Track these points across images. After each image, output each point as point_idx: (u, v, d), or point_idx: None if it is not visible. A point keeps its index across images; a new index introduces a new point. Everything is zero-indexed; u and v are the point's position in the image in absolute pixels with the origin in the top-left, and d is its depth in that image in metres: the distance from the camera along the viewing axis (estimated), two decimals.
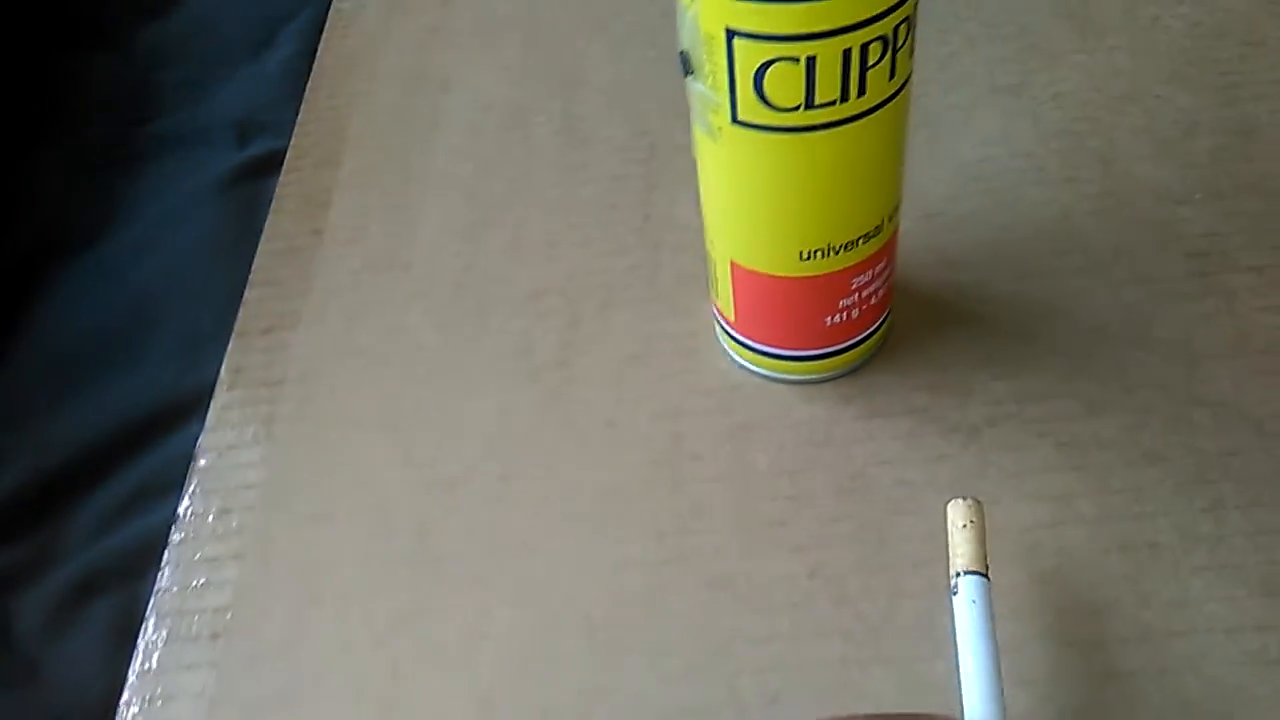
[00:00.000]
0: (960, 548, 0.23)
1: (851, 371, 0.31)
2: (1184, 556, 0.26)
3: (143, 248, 0.39)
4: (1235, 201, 0.34)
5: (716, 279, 0.30)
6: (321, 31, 0.48)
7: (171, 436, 0.34)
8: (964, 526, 0.23)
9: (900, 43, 0.23)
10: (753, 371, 0.32)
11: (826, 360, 0.31)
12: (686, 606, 0.27)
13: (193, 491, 0.32)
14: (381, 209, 0.39)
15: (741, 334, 0.31)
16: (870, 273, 0.28)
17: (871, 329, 0.30)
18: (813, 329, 0.29)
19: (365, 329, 0.35)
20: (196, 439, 0.33)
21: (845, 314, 0.29)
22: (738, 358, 0.32)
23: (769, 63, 0.23)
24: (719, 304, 0.31)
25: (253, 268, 0.38)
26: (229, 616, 0.29)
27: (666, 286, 0.35)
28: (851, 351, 0.31)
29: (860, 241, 0.27)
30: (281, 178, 0.41)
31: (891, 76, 0.24)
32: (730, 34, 0.23)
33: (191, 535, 0.31)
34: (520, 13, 0.47)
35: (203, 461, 0.32)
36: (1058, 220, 0.35)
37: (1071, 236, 0.34)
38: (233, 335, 0.36)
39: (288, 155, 0.42)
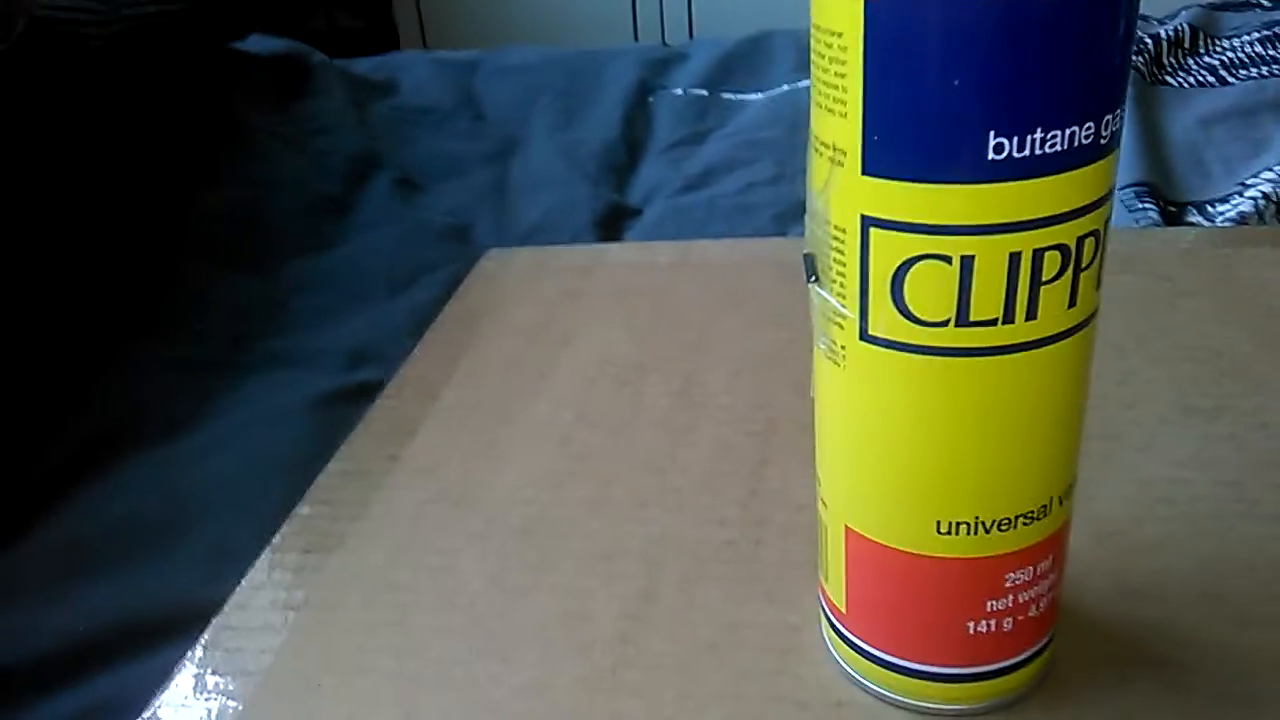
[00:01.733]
0: None
1: (995, 710, 0.23)
2: None
3: (209, 452, 0.37)
4: None
5: (828, 554, 0.24)
6: (459, 282, 0.48)
7: (158, 650, 0.29)
8: None
9: (1086, 262, 0.19)
10: (863, 686, 0.24)
11: (963, 686, 0.23)
12: None
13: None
14: (468, 446, 0.36)
15: (853, 632, 0.24)
16: (1032, 570, 0.22)
17: (1028, 652, 0.23)
18: (949, 636, 0.22)
19: (408, 564, 0.30)
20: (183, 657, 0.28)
21: (995, 622, 0.22)
22: (846, 664, 0.25)
23: (913, 260, 0.18)
24: (828, 589, 0.24)
25: (314, 484, 0.35)
26: None
27: (768, 568, 0.29)
28: (1000, 680, 0.23)
29: (1020, 522, 0.21)
30: (376, 403, 0.39)
31: (1072, 304, 0.19)
32: (866, 223, 0.19)
33: None
34: (658, 285, 0.46)
35: (173, 687, 0.27)
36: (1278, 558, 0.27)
37: None
38: (267, 549, 0.32)
39: (389, 384, 0.40)
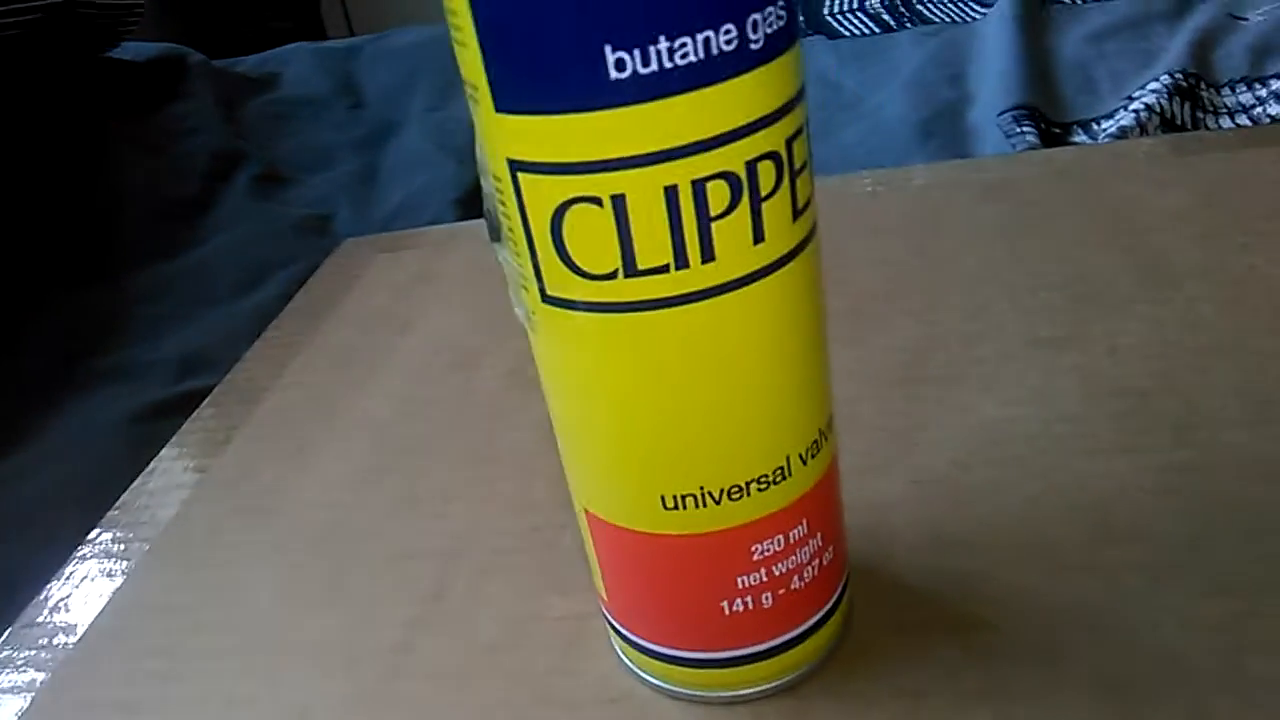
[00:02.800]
0: None
1: (779, 690, 0.21)
2: None
3: (8, 481, 0.34)
4: None
5: (585, 542, 0.22)
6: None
7: None
8: None
9: (767, 190, 0.16)
10: (640, 677, 0.22)
11: (735, 670, 0.21)
12: None
13: None
14: (280, 452, 0.33)
15: (618, 620, 0.22)
16: (783, 540, 0.19)
17: (804, 626, 0.21)
18: (707, 618, 0.20)
19: (192, 585, 0.28)
20: None
21: (751, 599, 0.20)
22: (622, 655, 0.23)
23: (565, 205, 0.16)
24: (594, 579, 0.22)
25: (113, 508, 0.32)
26: None
27: (568, 555, 0.26)
28: (773, 660, 0.21)
29: (754, 489, 0.19)
30: (195, 413, 0.37)
31: (759, 240, 0.17)
32: (514, 168, 0.16)
33: None
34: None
35: None
36: (1110, 499, 0.25)
37: (1129, 521, 0.24)
38: (54, 579, 0.30)
39: (214, 391, 0.38)
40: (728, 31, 0.15)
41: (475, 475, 0.30)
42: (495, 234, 0.18)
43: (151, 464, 0.34)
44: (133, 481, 0.34)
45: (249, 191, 0.54)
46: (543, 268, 0.17)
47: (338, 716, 0.23)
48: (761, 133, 0.16)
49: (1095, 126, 0.49)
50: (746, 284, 0.17)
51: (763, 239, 0.17)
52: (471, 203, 0.52)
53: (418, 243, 0.47)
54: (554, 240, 0.16)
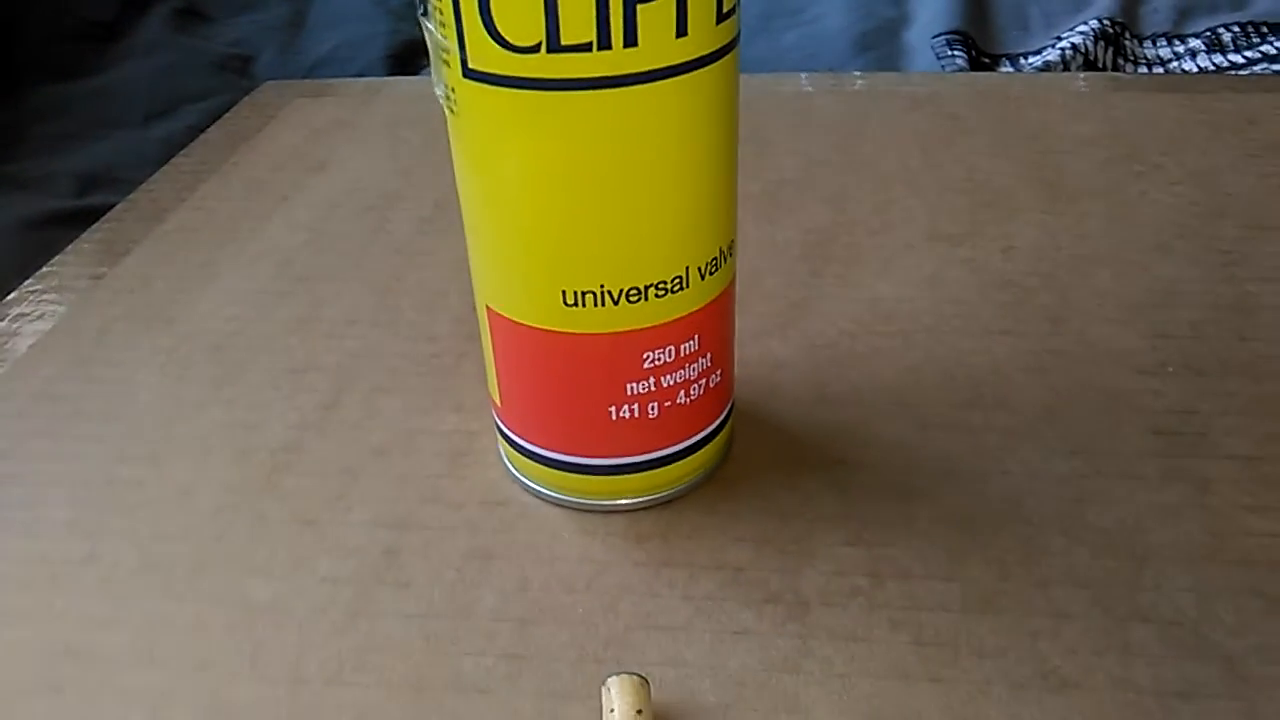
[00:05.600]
0: None
1: (655, 504, 0.22)
2: None
3: None
4: (1221, 381, 0.26)
5: (484, 346, 0.22)
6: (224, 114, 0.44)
7: None
8: (611, 711, 0.14)
9: None
10: (524, 484, 0.23)
11: (616, 478, 0.22)
12: None
13: None
14: (180, 267, 0.33)
15: (508, 425, 0.22)
16: (673, 350, 0.20)
17: (684, 443, 0.22)
18: (593, 423, 0.21)
19: (78, 377, 0.28)
20: None
21: (638, 406, 0.21)
22: (509, 463, 0.23)
23: None
24: (490, 386, 0.23)
25: (3, 299, 0.31)
26: None
27: (464, 380, 0.27)
28: (654, 472, 0.22)
29: (652, 294, 0.19)
30: (95, 225, 0.36)
31: (681, 33, 0.17)
32: None
33: None
34: (435, 118, 0.43)
35: None
36: (982, 372, 0.26)
37: (996, 391, 0.26)
38: None
39: (115, 207, 0.37)
40: None
41: (379, 304, 0.30)
42: (424, 5, 0.18)
43: (45, 267, 0.33)
44: (24, 281, 0.33)
45: (168, 24, 0.52)
46: (467, 37, 0.17)
47: (220, 501, 0.23)
48: None
49: (1022, 60, 0.50)
50: (665, 77, 0.17)
51: (685, 33, 0.17)
52: (403, 59, 0.50)
53: (341, 91, 0.46)
54: (480, 6, 0.17)
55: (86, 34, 0.50)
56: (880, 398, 0.26)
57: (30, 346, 0.29)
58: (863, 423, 0.25)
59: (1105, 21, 0.51)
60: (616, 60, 0.17)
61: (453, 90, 0.18)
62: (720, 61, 0.18)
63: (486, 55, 0.17)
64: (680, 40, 0.17)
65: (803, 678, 0.18)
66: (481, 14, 0.17)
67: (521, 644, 0.19)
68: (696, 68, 0.17)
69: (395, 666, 0.19)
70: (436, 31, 0.18)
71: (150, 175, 0.39)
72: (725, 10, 0.18)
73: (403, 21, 0.54)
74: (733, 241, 0.21)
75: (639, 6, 0.16)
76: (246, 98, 0.45)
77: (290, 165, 0.39)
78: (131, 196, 0.37)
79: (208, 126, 0.43)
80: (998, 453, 0.24)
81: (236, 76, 0.49)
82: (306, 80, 0.47)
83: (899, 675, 0.18)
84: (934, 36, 0.50)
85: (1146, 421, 0.24)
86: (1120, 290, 0.30)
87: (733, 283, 0.21)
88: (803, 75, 0.45)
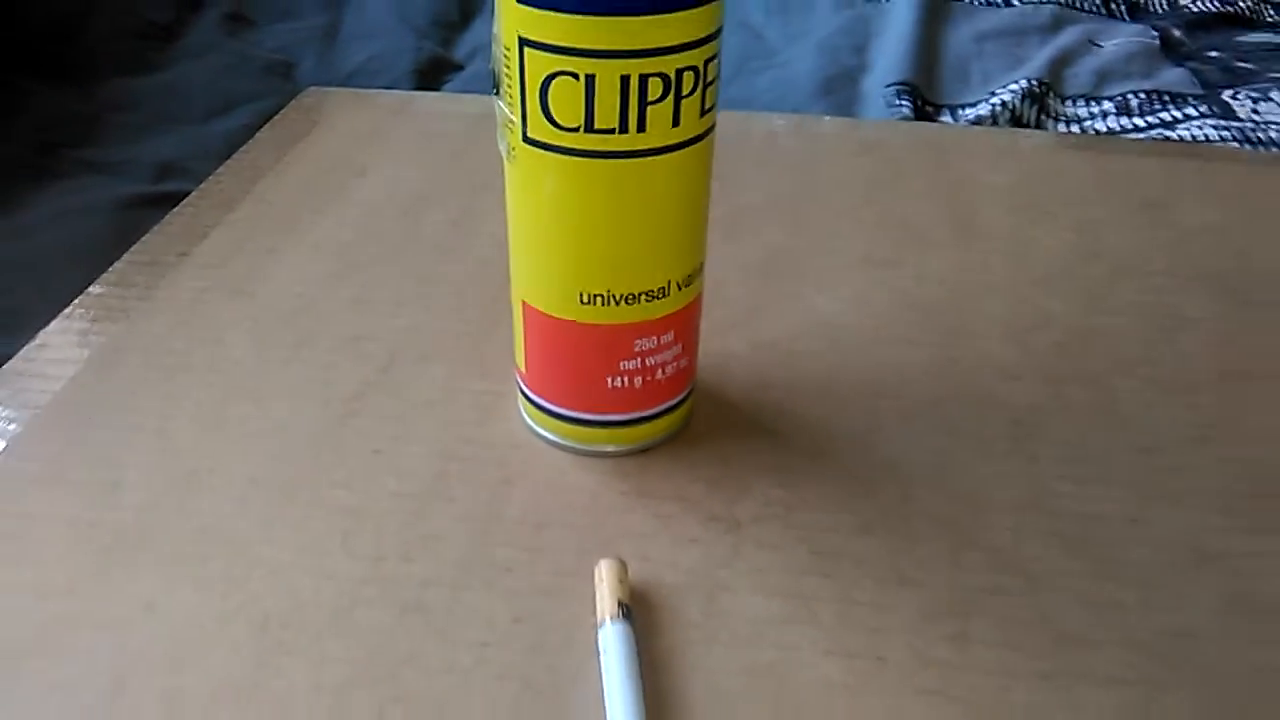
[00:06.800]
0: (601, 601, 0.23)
1: (637, 452, 0.30)
2: (912, 676, 0.24)
3: (10, 237, 0.40)
4: (1063, 387, 0.34)
5: (514, 326, 0.30)
6: (275, 115, 0.51)
7: None
8: (601, 581, 0.23)
9: (686, 91, 0.25)
10: (539, 434, 0.31)
11: (608, 430, 0.30)
12: (370, 623, 0.25)
13: None
14: (252, 250, 0.40)
15: (531, 389, 0.30)
16: (655, 339, 0.28)
17: (659, 409, 0.30)
18: (594, 388, 0.29)
19: (182, 336, 0.35)
20: None
21: (628, 379, 0.28)
22: (527, 417, 0.31)
23: (553, 75, 0.24)
24: (516, 356, 0.30)
25: (110, 269, 0.39)
26: None
27: (492, 352, 0.34)
28: (635, 428, 0.30)
29: (643, 298, 0.27)
30: (174, 210, 0.43)
31: (675, 124, 0.25)
32: (522, 44, 0.24)
33: None
34: (459, 132, 0.50)
35: None
36: (888, 371, 0.35)
37: (897, 386, 0.34)
38: (57, 318, 0.36)
39: (190, 195, 0.44)
40: None
41: (419, 291, 0.38)
42: (495, 88, 0.26)
43: (138, 243, 0.40)
44: (120, 255, 0.40)
45: (219, 27, 0.58)
46: (529, 117, 0.25)
47: (308, 435, 0.31)
48: (688, 52, 0.24)
49: (960, 112, 0.59)
50: (663, 153, 0.25)
51: (679, 124, 0.25)
52: (426, 74, 0.58)
53: (375, 102, 0.53)
54: (540, 99, 0.24)
55: (148, 33, 0.57)
56: (808, 386, 0.34)
57: (135, 311, 0.36)
58: (792, 404, 0.33)
59: (1034, 81, 0.60)
60: (631, 141, 0.25)
61: (513, 149, 0.26)
62: (702, 142, 0.26)
63: (541, 129, 0.25)
64: (675, 129, 0.25)
65: (733, 570, 0.26)
66: (541, 104, 0.24)
67: (537, 541, 0.27)
68: (685, 147, 0.25)
69: (447, 553, 0.27)
70: (505, 108, 0.26)
71: (215, 168, 0.46)
72: (707, 108, 0.25)
73: (425, 39, 0.61)
74: (702, 263, 0.29)
75: (648, 107, 0.24)
76: (293, 101, 0.53)
77: (337, 168, 0.46)
78: (202, 186, 0.45)
79: (260, 126, 0.50)
80: (890, 430, 0.32)
81: (281, 81, 0.56)
82: (344, 89, 0.54)
83: (799, 571, 0.26)
84: (886, 85, 0.58)
85: (1004, 413, 0.33)
86: (1005, 315, 0.38)
87: (701, 293, 0.29)
88: (773, 115, 0.53)
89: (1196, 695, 0.24)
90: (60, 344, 0.35)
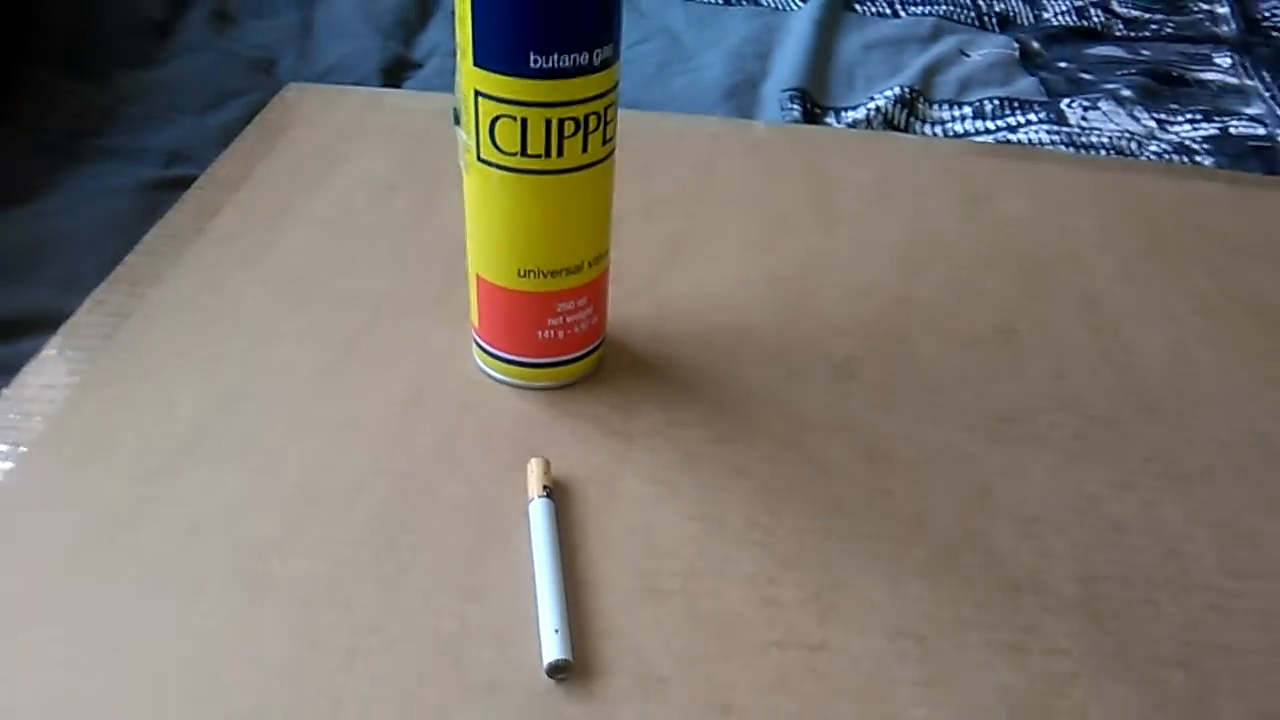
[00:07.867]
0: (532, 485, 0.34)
1: (560, 387, 0.41)
2: (744, 533, 0.36)
3: (55, 214, 0.49)
4: (880, 341, 0.46)
5: (469, 291, 0.40)
6: (262, 108, 0.60)
7: (34, 336, 0.42)
8: (531, 473, 0.35)
9: (593, 129, 0.35)
10: (486, 373, 0.42)
11: (539, 370, 0.40)
12: (372, 497, 0.36)
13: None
14: (256, 225, 0.50)
15: (482, 338, 0.41)
16: (573, 303, 0.39)
17: (576, 355, 0.41)
18: (528, 339, 0.40)
19: (209, 293, 0.45)
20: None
21: (554, 332, 0.39)
22: (478, 360, 0.42)
23: (498, 117, 0.34)
24: (472, 316, 0.41)
25: (141, 241, 0.48)
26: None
27: (452, 310, 0.45)
28: (559, 369, 0.41)
29: (563, 273, 0.38)
30: (188, 191, 0.52)
31: (585, 151, 0.36)
32: (477, 94, 0.34)
33: None
34: (421, 127, 0.60)
35: (40, 358, 0.41)
36: (750, 327, 0.46)
37: (755, 340, 0.45)
38: (105, 281, 0.46)
39: (199, 179, 0.53)
40: (584, 55, 0.34)
41: (395, 260, 0.48)
42: (457, 121, 0.36)
43: (161, 220, 0.50)
44: (150, 228, 0.49)
45: (206, 25, 0.67)
46: (480, 143, 0.35)
47: (313, 370, 0.41)
48: (594, 102, 0.35)
49: (843, 114, 0.70)
50: (577, 171, 0.36)
51: (587, 151, 0.36)
52: (391, 73, 0.67)
53: (349, 98, 0.63)
54: (489, 132, 0.35)
55: (146, 30, 0.65)
56: (689, 339, 0.45)
57: (168, 275, 0.46)
58: (677, 352, 0.44)
59: (906, 88, 0.71)
60: (554, 163, 0.35)
61: (469, 165, 0.36)
62: (605, 163, 0.37)
63: (490, 153, 0.35)
64: (584, 154, 0.36)
65: (625, 465, 0.38)
66: (490, 135, 0.35)
67: (488, 445, 0.38)
68: (592, 167, 0.36)
69: (423, 453, 0.38)
70: (465, 137, 0.36)
71: (217, 155, 0.55)
72: (607, 139, 0.36)
73: (389, 39, 0.70)
74: (607, 249, 0.40)
75: (565, 140, 0.35)
76: (276, 97, 0.62)
77: (320, 156, 0.56)
78: (209, 171, 0.54)
79: (250, 118, 0.59)
80: (745, 370, 0.43)
81: (264, 76, 0.65)
82: (321, 86, 0.64)
83: (672, 467, 0.38)
84: (781, 91, 0.69)
85: (830, 360, 0.44)
86: (842, 284, 0.49)
87: (608, 268, 0.40)
88: (683, 117, 0.63)
89: (929, 551, 0.36)
90: (112, 302, 0.44)
